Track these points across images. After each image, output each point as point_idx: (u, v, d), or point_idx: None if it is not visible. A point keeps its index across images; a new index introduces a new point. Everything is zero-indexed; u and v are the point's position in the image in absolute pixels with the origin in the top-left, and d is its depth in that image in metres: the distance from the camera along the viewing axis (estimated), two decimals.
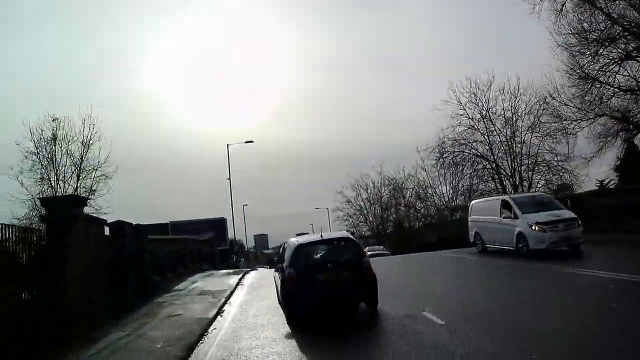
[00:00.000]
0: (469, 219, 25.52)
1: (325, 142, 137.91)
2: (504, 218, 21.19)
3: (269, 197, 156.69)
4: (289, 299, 12.28)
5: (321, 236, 13.18)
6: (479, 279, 17.60)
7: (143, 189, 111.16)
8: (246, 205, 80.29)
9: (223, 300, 16.28)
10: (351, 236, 14.06)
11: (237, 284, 20.80)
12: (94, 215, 21.75)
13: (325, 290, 11.69)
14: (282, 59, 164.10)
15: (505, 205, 21.49)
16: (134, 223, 19.54)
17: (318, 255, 12.63)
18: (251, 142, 56.82)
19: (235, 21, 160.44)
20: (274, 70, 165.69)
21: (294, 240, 13.16)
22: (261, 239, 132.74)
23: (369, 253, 45.42)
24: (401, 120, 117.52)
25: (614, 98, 30.78)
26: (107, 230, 16.81)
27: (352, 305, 12.96)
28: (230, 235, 62.44)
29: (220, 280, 22.55)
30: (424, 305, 12.12)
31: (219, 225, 60.87)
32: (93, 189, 29.95)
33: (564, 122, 34.22)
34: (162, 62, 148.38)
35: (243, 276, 24.25)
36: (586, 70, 30.28)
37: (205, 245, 38.52)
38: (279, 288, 13.37)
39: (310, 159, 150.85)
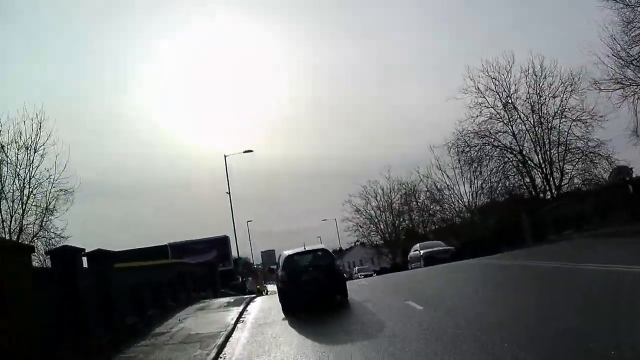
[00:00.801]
0: None
1: (331, 152, 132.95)
2: None
3: (276, 212, 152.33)
4: (283, 294, 16.51)
5: (304, 248, 18.05)
6: None
7: (141, 212, 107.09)
8: (250, 221, 76.34)
9: (215, 352, 11.20)
10: (326, 248, 19.19)
11: (237, 321, 15.72)
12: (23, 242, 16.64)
13: (308, 286, 15.75)
14: (282, 70, 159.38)
15: None
16: (110, 249, 15.22)
17: (303, 262, 17.07)
18: (250, 151, 52.19)
19: (231, 34, 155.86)
20: (274, 82, 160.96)
21: (285, 252, 17.62)
22: (268, 255, 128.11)
23: (422, 252, 36.04)
24: (410, 123, 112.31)
25: None
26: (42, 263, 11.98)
27: (328, 297, 16.53)
28: (234, 253, 57.49)
29: (215, 315, 17.42)
30: None
31: (221, 244, 56.22)
32: (50, 207, 24.68)
33: (630, 87, 28.97)
34: (153, 80, 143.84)
35: (245, 307, 19.18)
36: None
37: (203, 268, 33.52)
38: (277, 287, 18.00)
39: (316, 169, 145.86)
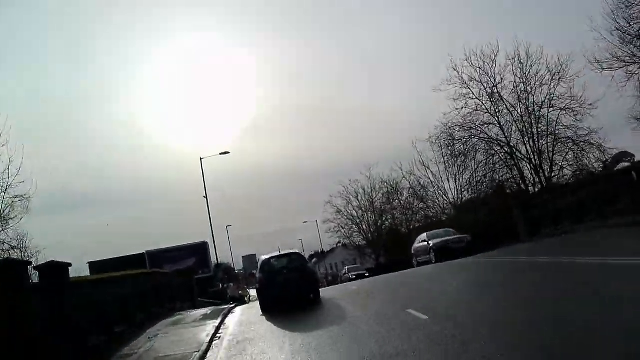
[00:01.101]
0: None
1: (311, 153, 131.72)
2: None
3: (256, 215, 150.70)
4: (261, 294, 18.84)
5: (279, 252, 19.71)
6: None
7: (119, 221, 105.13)
8: (230, 226, 74.86)
9: None
10: (299, 251, 21.79)
11: (213, 337, 13.87)
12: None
13: (283, 287, 17.73)
14: (260, 71, 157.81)
15: None
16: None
17: (278, 265, 18.82)
18: (227, 153, 50.77)
19: (210, 34, 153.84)
20: (253, 85, 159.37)
21: (263, 256, 20.10)
22: (250, 260, 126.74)
23: (431, 242, 30.07)
24: (393, 119, 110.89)
25: None
26: None
27: (301, 296, 18.28)
28: (213, 259, 55.60)
29: (189, 331, 15.51)
30: None
31: (200, 250, 54.43)
32: (4, 215, 22.49)
33: (635, 64, 27.73)
34: (129, 89, 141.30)
35: (223, 320, 17.39)
36: None
37: (179, 277, 31.61)
38: (256, 289, 20.23)
39: (296, 171, 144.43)
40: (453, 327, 9.29)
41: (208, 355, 11.77)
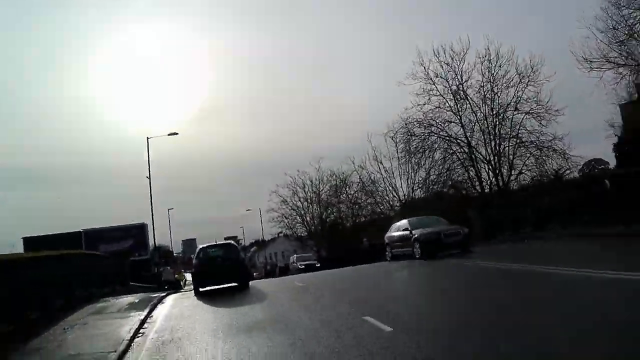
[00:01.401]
0: None
1: (262, 142, 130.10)
2: None
3: (199, 200, 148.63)
4: (195, 279, 21.38)
5: (215, 242, 24.62)
6: None
7: (59, 199, 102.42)
8: (171, 209, 74.34)
9: None
10: (233, 242, 25.15)
11: (136, 333, 12.28)
12: None
13: (216, 274, 20.22)
14: (212, 57, 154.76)
15: None
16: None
17: (213, 254, 21.43)
18: (175, 134, 50.21)
19: (162, 23, 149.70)
20: (201, 70, 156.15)
21: (200, 245, 23.70)
22: (189, 244, 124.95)
23: (416, 233, 23.93)
24: (352, 113, 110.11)
25: None
26: None
27: (232, 282, 20.61)
28: (151, 242, 53.94)
29: (111, 324, 13.71)
30: None
31: (138, 232, 53.07)
32: None
33: (626, 65, 27.52)
34: (79, 64, 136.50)
35: (151, 311, 15.80)
36: None
37: (112, 260, 29.90)
38: (192, 274, 22.60)
39: (245, 159, 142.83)
40: (422, 344, 7.95)
41: (126, 357, 10.22)
